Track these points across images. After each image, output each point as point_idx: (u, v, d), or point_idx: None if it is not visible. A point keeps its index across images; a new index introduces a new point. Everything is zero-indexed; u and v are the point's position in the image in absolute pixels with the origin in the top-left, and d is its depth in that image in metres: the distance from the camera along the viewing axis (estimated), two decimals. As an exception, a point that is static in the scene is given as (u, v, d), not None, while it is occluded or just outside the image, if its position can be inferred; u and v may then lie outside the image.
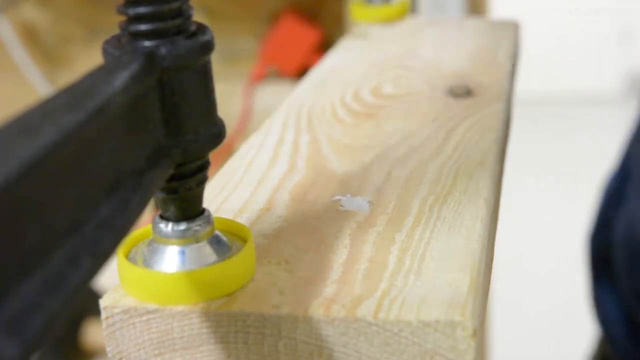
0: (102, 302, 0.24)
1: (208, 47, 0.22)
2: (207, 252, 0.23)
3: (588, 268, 0.71)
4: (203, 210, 0.24)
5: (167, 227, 0.23)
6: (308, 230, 0.27)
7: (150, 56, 0.21)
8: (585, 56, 2.83)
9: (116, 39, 0.22)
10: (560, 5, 2.81)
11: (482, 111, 0.37)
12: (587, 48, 2.84)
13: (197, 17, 0.22)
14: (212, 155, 0.24)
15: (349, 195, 0.29)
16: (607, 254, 0.68)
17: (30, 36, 1.02)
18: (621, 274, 0.65)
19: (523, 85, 0.80)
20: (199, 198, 0.24)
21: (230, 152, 0.44)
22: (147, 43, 0.21)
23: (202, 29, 0.22)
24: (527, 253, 1.85)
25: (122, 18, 0.22)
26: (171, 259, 0.23)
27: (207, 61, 0.22)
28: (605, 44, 2.84)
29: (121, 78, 0.19)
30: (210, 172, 0.24)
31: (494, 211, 0.29)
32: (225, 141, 0.24)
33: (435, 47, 0.47)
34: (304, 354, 0.23)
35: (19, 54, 1.00)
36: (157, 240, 0.24)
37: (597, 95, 2.77)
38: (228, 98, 0.92)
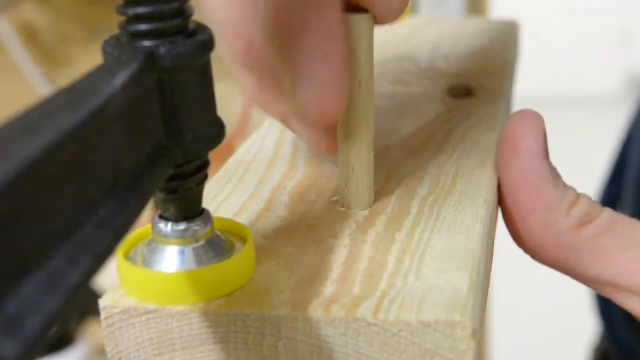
0: (102, 302, 0.24)
1: (208, 47, 0.22)
2: (207, 252, 0.23)
3: None
4: (203, 210, 0.24)
5: (167, 227, 0.23)
6: (308, 230, 0.27)
7: (150, 56, 0.21)
8: (585, 56, 2.83)
9: (116, 39, 0.22)
10: (560, 5, 2.81)
11: (482, 111, 0.37)
12: (587, 48, 2.84)
13: (198, 16, 0.22)
14: (212, 155, 0.24)
15: None
16: None
17: (30, 36, 1.02)
18: None
19: (523, 85, 0.80)
20: (198, 198, 0.24)
21: (230, 152, 0.44)
22: (147, 43, 0.21)
23: (202, 28, 0.22)
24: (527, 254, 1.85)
25: (122, 18, 0.22)
26: (171, 259, 0.23)
27: (207, 61, 0.22)
28: (605, 44, 2.84)
29: (121, 78, 0.19)
30: (210, 172, 0.24)
31: (494, 211, 0.29)
32: (225, 141, 0.24)
33: (435, 47, 0.47)
34: (304, 354, 0.23)
35: (19, 54, 1.00)
36: (156, 240, 0.23)
37: (597, 95, 2.77)
38: (228, 98, 0.92)
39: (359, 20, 0.26)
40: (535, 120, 0.30)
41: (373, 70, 0.27)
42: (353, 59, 0.27)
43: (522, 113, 0.30)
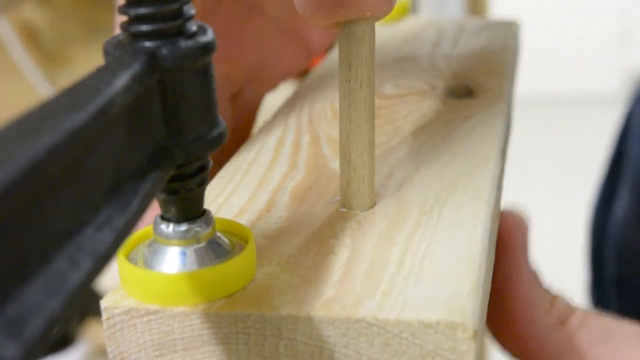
0: (103, 303, 0.24)
1: (209, 48, 0.22)
2: (208, 253, 0.23)
3: (588, 268, 0.71)
4: (204, 211, 0.24)
5: (168, 228, 0.23)
6: (309, 230, 0.27)
7: (152, 57, 0.21)
8: (585, 56, 2.83)
9: (117, 39, 0.22)
10: (560, 5, 2.81)
11: (483, 111, 0.37)
12: (587, 48, 2.84)
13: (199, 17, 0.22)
14: (213, 156, 0.24)
15: None
16: (603, 251, 0.69)
17: (30, 36, 1.02)
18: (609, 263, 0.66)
19: (523, 85, 0.80)
20: (200, 199, 0.24)
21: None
22: (148, 44, 0.21)
23: (203, 29, 0.22)
24: (527, 253, 1.85)
25: (124, 18, 0.22)
26: (172, 260, 0.23)
27: (209, 62, 0.22)
28: (605, 44, 2.84)
29: (122, 79, 0.19)
30: (210, 172, 0.24)
31: (494, 212, 0.29)
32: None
33: (435, 47, 0.47)
34: (305, 355, 0.23)
35: (19, 54, 1.00)
36: (158, 241, 0.23)
37: (597, 95, 2.77)
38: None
39: (361, 25, 0.27)
40: (522, 220, 0.31)
41: (374, 71, 0.28)
42: (355, 62, 0.27)
43: (510, 212, 0.31)
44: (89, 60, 0.99)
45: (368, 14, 0.26)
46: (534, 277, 0.30)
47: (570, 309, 0.30)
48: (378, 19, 0.27)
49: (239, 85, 0.40)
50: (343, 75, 0.28)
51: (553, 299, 0.30)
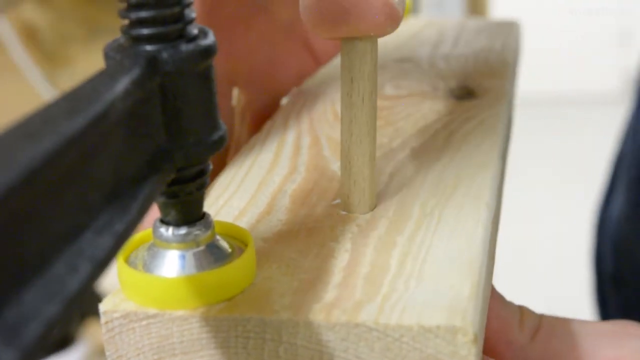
0: (102, 307, 0.23)
1: (210, 51, 0.22)
2: (208, 256, 0.23)
3: (591, 270, 0.71)
4: (204, 215, 0.24)
5: (168, 232, 0.23)
6: (309, 233, 0.27)
7: (152, 60, 0.21)
8: (585, 56, 2.83)
9: (118, 42, 0.22)
10: (560, 5, 2.81)
11: (484, 112, 0.36)
12: (587, 48, 2.83)
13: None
14: (213, 159, 0.24)
15: None
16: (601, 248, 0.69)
17: (30, 36, 1.02)
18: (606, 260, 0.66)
19: (523, 85, 0.80)
20: (199, 202, 0.23)
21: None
22: (149, 47, 0.21)
23: (204, 32, 0.22)
24: (528, 256, 1.85)
25: (124, 21, 0.22)
26: (171, 264, 0.23)
27: (209, 65, 0.22)
28: (605, 44, 2.83)
29: (123, 83, 0.19)
30: (210, 175, 0.24)
31: (495, 214, 0.29)
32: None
33: (436, 47, 0.47)
34: (304, 359, 0.23)
35: (19, 54, 1.00)
36: (157, 245, 0.23)
37: (597, 95, 2.77)
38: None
39: (364, 42, 0.26)
40: None
41: (376, 86, 0.27)
42: (357, 76, 0.27)
43: None
44: (89, 60, 0.99)
45: (372, 33, 0.26)
46: (500, 296, 0.30)
47: (537, 318, 0.30)
48: (382, 36, 0.27)
49: (239, 87, 0.39)
50: (345, 89, 0.27)
51: (521, 311, 0.30)
